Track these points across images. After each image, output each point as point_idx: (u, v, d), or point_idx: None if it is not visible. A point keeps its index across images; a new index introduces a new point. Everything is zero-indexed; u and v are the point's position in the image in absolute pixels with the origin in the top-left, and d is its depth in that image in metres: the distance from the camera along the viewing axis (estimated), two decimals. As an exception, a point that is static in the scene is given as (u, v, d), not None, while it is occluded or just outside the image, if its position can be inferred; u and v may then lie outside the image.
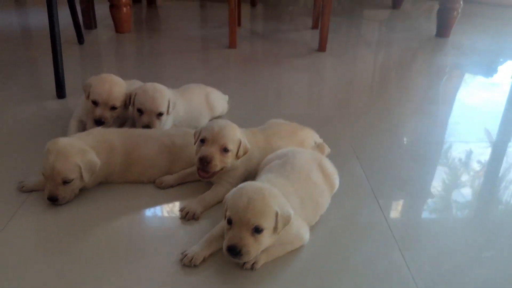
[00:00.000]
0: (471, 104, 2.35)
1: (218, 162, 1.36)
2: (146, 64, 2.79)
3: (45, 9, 2.08)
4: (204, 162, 1.35)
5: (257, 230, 1.09)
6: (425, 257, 1.23)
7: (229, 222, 1.11)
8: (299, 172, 1.32)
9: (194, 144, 1.42)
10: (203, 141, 1.38)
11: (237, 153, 1.40)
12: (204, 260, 1.17)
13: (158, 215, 1.38)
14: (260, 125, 1.68)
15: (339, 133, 1.93)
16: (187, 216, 1.33)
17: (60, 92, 2.19)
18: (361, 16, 4.44)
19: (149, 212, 1.38)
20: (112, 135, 1.49)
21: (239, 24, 3.78)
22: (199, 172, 1.39)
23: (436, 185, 1.59)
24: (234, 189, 1.17)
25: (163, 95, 1.68)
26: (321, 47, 3.06)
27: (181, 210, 1.36)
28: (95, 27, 3.54)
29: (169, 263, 1.17)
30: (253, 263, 1.13)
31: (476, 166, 1.74)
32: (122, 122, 1.79)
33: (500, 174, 1.70)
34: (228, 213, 1.11)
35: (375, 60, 3.13)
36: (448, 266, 1.20)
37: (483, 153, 1.84)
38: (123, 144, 1.48)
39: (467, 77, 2.78)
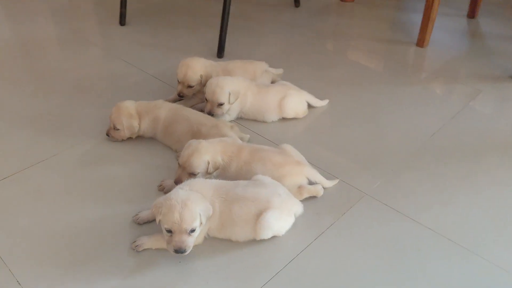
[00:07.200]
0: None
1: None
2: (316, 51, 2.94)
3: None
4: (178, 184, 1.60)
5: (192, 231, 1.41)
6: None
7: (169, 231, 1.40)
8: (231, 195, 1.50)
9: None
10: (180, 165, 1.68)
11: (207, 170, 1.66)
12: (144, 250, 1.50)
13: (151, 180, 1.81)
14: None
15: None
16: (159, 188, 1.76)
17: (220, 53, 2.70)
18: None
19: (149, 172, 1.84)
20: (162, 109, 1.98)
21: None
22: None
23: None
24: (163, 201, 1.41)
25: (223, 89, 2.00)
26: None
27: (159, 185, 1.76)
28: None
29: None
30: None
31: None
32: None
33: None
34: (165, 226, 1.40)
35: None
36: None
37: None
38: (166, 117, 1.96)
39: None
